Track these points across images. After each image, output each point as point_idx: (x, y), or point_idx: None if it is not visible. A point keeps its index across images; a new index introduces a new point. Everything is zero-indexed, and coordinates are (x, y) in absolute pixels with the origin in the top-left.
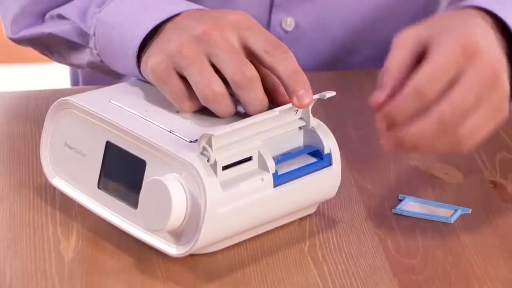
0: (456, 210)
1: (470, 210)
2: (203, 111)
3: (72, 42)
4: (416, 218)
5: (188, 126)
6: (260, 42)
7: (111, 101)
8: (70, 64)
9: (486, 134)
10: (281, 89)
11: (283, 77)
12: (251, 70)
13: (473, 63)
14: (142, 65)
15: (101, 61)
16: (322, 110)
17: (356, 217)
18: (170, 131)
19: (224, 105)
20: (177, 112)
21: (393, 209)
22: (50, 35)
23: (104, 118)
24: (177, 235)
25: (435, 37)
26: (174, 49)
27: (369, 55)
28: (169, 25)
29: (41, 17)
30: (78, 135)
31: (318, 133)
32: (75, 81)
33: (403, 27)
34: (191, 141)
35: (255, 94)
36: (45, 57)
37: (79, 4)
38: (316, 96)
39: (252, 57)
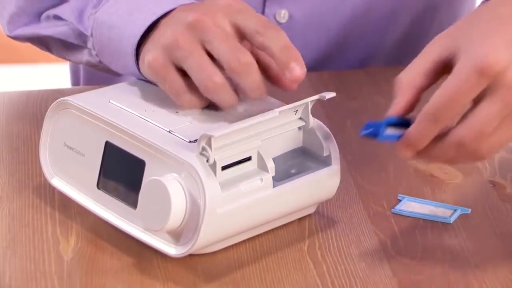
0: (455, 210)
1: (470, 210)
2: (203, 111)
3: (70, 42)
4: (416, 218)
5: (188, 126)
6: (252, 23)
7: (111, 101)
8: (69, 61)
9: (507, 144)
10: (275, 65)
11: (274, 53)
12: (247, 56)
13: (493, 86)
14: (140, 62)
15: (100, 61)
16: (321, 110)
17: (356, 217)
18: (169, 131)
19: (226, 95)
20: (177, 112)
21: (392, 209)
22: (48, 36)
23: (104, 118)
24: (176, 235)
25: (457, 52)
26: (168, 41)
27: (364, 47)
28: (163, 21)
29: (38, 17)
30: (77, 135)
31: (318, 133)
32: (75, 81)
33: (396, 15)
34: (190, 141)
35: (253, 79)
36: (45, 57)
37: (76, 5)
38: (315, 97)
39: (245, 39)
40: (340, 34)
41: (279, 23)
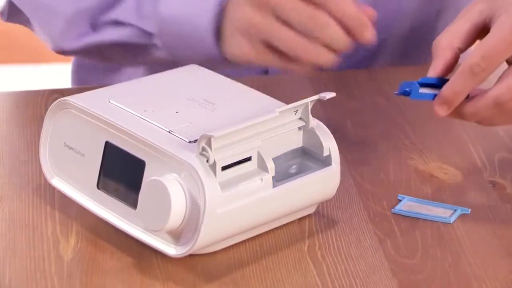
0: (455, 210)
1: (469, 210)
2: (203, 111)
3: (133, 44)
4: (416, 218)
5: (188, 126)
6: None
7: (111, 101)
8: (129, 65)
9: None
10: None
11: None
12: (321, 14)
13: None
14: (226, 52)
15: (170, 54)
16: (321, 110)
17: (356, 217)
18: (169, 132)
19: (322, 51)
20: (177, 112)
21: (392, 209)
22: (110, 42)
23: (103, 118)
24: (176, 236)
25: (495, 13)
26: (244, 25)
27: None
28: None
29: (91, 26)
30: (77, 135)
31: (318, 133)
32: (77, 82)
33: (401, 12)
34: (190, 142)
35: (334, 30)
36: (44, 57)
37: (131, 5)
38: (315, 97)
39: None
40: None
41: None
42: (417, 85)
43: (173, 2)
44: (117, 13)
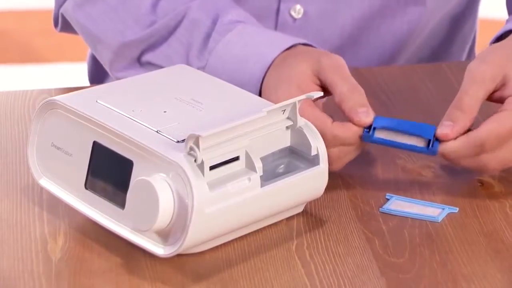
0: (443, 209)
1: (457, 209)
2: (191, 111)
3: None
4: (404, 217)
5: (175, 126)
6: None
7: (98, 101)
8: None
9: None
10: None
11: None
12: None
13: None
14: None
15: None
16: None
17: (344, 217)
18: (157, 131)
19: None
20: (165, 112)
21: (380, 208)
22: None
23: (91, 118)
24: (164, 235)
25: (507, 86)
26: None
27: (376, 45)
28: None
29: (136, 61)
30: (65, 135)
31: (306, 133)
32: (94, 80)
33: (411, 15)
34: (178, 141)
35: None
36: (33, 58)
37: (165, 51)
38: (303, 97)
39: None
40: (354, 31)
41: (294, 19)
42: (370, 132)
43: (222, 62)
44: (157, 58)
